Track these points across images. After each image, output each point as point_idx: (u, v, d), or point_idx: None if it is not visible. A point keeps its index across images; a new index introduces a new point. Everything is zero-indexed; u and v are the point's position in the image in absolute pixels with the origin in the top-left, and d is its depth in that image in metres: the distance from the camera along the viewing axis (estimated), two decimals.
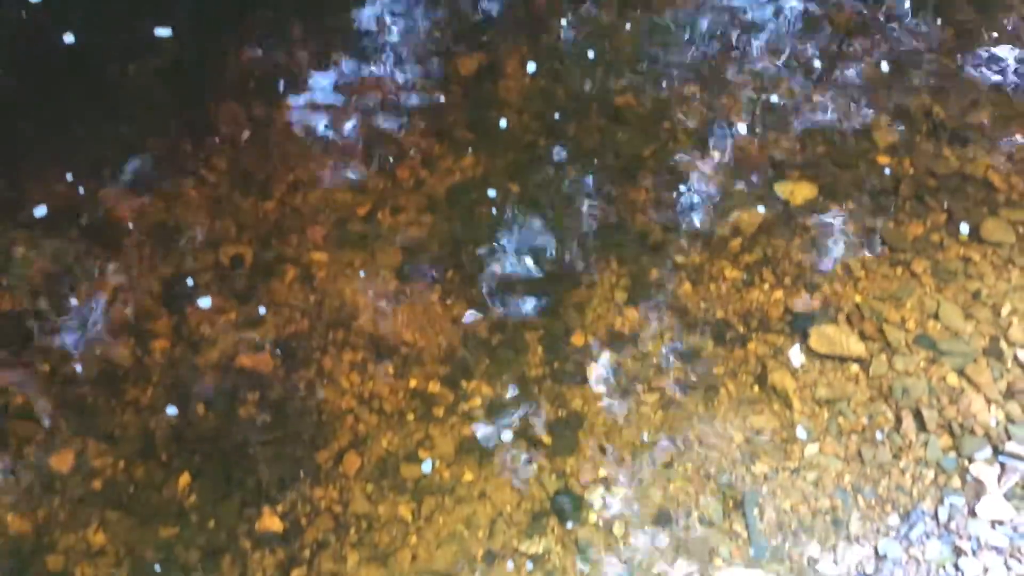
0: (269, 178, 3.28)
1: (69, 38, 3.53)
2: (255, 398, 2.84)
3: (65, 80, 3.46)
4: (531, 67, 3.58)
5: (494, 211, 3.25)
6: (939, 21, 3.63)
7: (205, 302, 2.99)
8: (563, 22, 3.73)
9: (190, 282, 3.03)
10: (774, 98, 3.47)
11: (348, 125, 3.44)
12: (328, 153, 3.36)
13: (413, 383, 2.89)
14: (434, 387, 2.89)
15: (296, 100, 3.47)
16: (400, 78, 3.55)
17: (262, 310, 2.99)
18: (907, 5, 3.68)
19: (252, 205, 3.22)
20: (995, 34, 3.60)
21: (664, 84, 3.55)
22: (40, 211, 3.15)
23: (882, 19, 3.66)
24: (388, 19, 3.72)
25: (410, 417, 2.83)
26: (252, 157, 3.33)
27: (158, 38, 3.51)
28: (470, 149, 3.39)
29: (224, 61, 3.54)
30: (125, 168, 3.27)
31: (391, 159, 3.36)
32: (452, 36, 3.69)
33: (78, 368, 2.86)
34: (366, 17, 3.71)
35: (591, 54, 3.64)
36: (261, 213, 3.22)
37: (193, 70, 3.51)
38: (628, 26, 3.72)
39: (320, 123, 3.43)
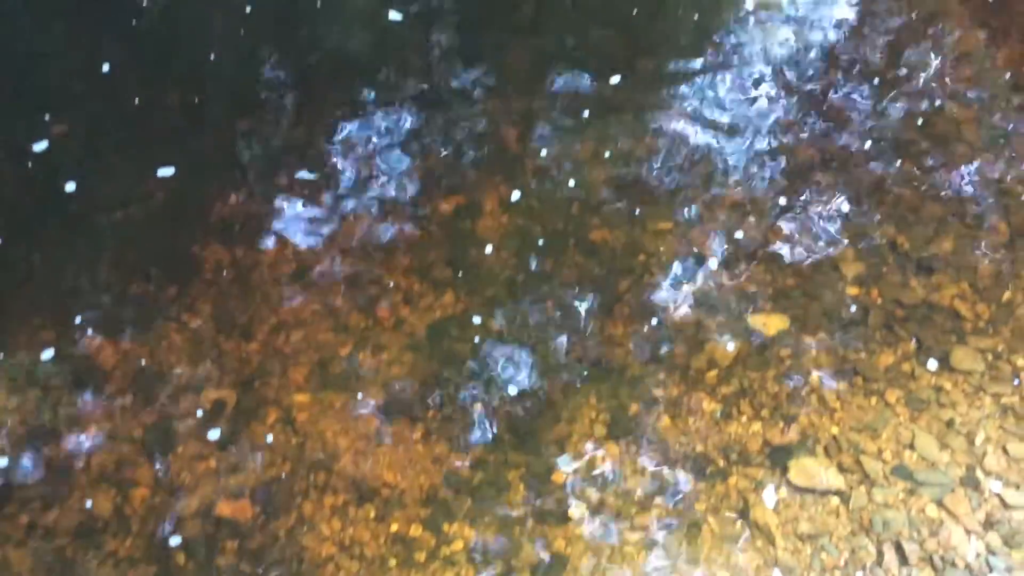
0: (252, 320, 3.34)
1: (71, 186, 3.64)
2: (234, 547, 2.81)
3: (58, 227, 3.56)
4: (508, 205, 3.70)
5: (475, 348, 3.30)
6: (898, 159, 3.78)
7: (186, 449, 3.01)
8: (538, 160, 3.87)
9: (172, 429, 3.04)
10: (744, 232, 3.58)
11: (330, 265, 3.52)
12: (310, 293, 3.43)
13: (394, 527, 2.88)
14: (415, 531, 2.88)
15: (280, 241, 3.56)
16: (381, 218, 3.66)
17: (243, 455, 3.00)
18: (867, 144, 3.84)
19: (234, 348, 3.26)
20: (951, 165, 3.75)
21: (638, 218, 3.67)
22: (47, 354, 3.19)
23: (842, 154, 3.81)
24: (369, 162, 3.85)
25: (391, 563, 2.81)
26: (235, 299, 3.39)
27: (148, 186, 3.63)
28: (450, 287, 3.47)
29: (211, 205, 3.65)
30: (110, 314, 3.32)
31: (373, 298, 3.43)
32: (431, 177, 3.83)
33: (57, 520, 2.84)
34: (348, 161, 3.85)
35: (566, 190, 3.77)
36: (243, 355, 3.26)
37: (180, 215, 3.61)
38: (603, 161, 3.86)
39: (303, 263, 3.51)
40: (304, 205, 3.68)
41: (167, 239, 3.55)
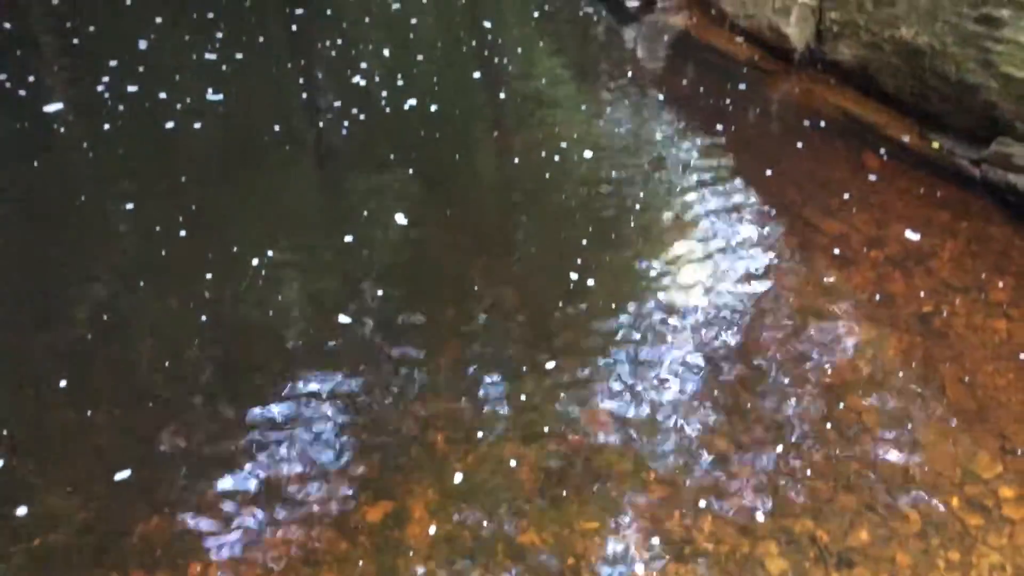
0: None
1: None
2: None
3: None
4: (436, 510, 3.74)
5: None
6: (809, 450, 3.97)
7: None
8: (466, 462, 3.95)
9: None
10: (670, 529, 3.65)
11: None
12: None
13: None
14: None
15: (202, 562, 3.50)
16: (309, 529, 3.65)
17: None
18: (779, 436, 4.03)
19: None
20: (858, 454, 3.94)
21: (565, 518, 3.72)
22: None
23: (756, 446, 3.99)
24: (296, 469, 3.90)
25: None
26: None
27: (69, 509, 3.60)
28: None
29: (132, 526, 3.61)
30: None
31: None
32: (359, 482, 3.87)
33: None
34: (275, 468, 3.89)
35: (494, 491, 3.82)
36: None
37: (101, 540, 3.55)
38: (528, 459, 3.96)
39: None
40: (228, 520, 3.67)
41: (86, 567, 3.47)
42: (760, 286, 4.89)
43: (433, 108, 6.54)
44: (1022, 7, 5.15)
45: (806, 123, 6.27)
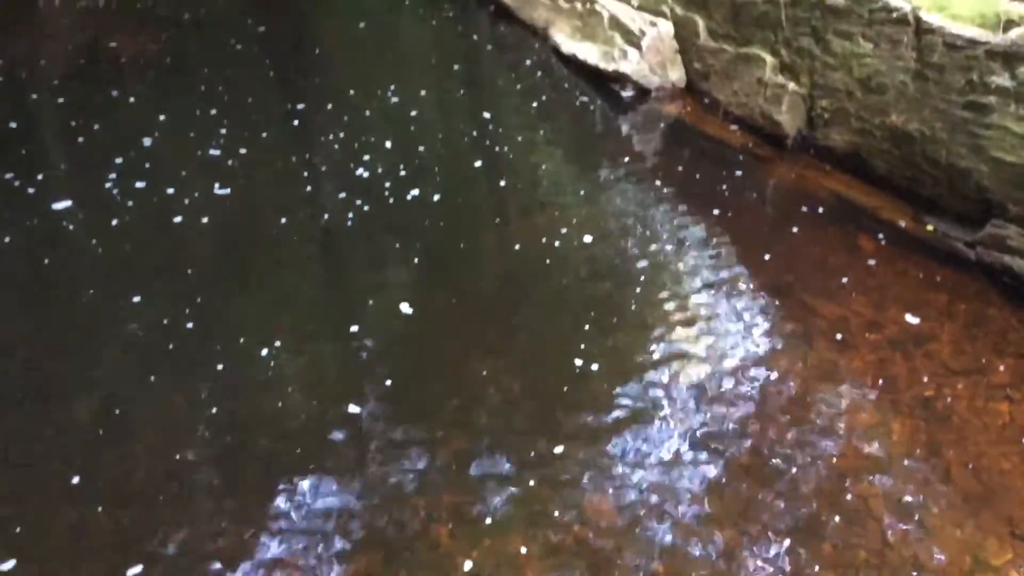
0: None
1: None
2: None
3: None
4: None
5: None
6: (815, 538, 3.94)
7: None
8: (471, 557, 3.92)
9: None
10: None
11: None
12: None
13: None
14: None
15: None
16: None
17: None
18: (786, 524, 4.01)
19: None
20: (865, 542, 3.91)
21: None
22: None
23: (765, 534, 3.97)
24: (296, 561, 3.87)
25: None
26: None
27: None
28: None
29: None
30: None
31: None
32: None
33: None
34: (274, 562, 3.87)
35: None
36: None
37: None
38: (532, 552, 3.93)
39: None
40: None
41: None
42: (761, 371, 4.92)
43: (435, 197, 6.67)
44: (1008, 94, 5.30)
45: (802, 208, 6.38)
